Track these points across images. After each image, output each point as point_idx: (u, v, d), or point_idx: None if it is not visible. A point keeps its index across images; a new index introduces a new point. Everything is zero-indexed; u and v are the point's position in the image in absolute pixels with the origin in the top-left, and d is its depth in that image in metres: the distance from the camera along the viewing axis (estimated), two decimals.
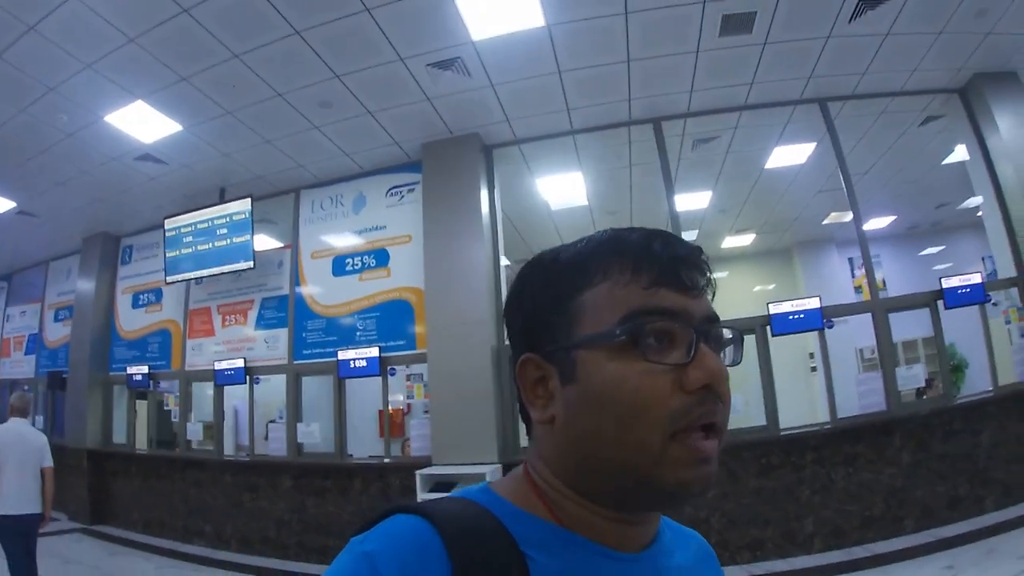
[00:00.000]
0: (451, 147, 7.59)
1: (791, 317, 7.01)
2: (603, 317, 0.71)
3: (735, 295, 13.61)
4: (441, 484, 6.54)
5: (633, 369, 0.68)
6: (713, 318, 0.74)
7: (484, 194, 7.67)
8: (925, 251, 14.73)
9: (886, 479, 6.39)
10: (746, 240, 13.54)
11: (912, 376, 7.11)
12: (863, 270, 14.22)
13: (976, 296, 7.25)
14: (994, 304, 7.82)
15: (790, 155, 8.79)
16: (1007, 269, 7.62)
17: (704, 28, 6.04)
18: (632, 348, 0.68)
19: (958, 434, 6.61)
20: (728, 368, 0.74)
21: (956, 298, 7.20)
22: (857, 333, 9.22)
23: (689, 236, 11.65)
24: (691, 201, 10.00)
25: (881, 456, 6.43)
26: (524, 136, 7.72)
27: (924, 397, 7.91)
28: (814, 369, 11.84)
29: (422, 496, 6.45)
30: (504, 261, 7.91)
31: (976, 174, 8.00)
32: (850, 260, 14.21)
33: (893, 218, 13.33)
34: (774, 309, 7.04)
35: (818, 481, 6.38)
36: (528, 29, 5.77)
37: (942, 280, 7.31)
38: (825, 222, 12.50)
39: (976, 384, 10.60)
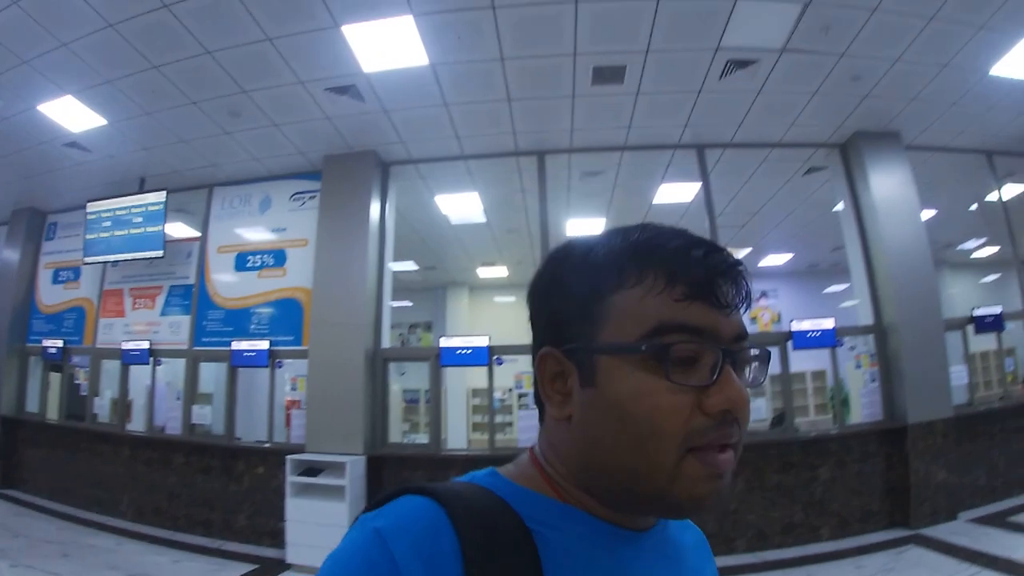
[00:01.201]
0: (350, 161, 8.03)
1: None
2: (631, 324, 0.70)
3: None
4: (310, 469, 7.06)
5: (654, 386, 0.68)
6: (742, 336, 0.73)
7: (376, 207, 8.10)
8: (830, 288, 15.34)
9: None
10: None
11: (754, 408, 7.57)
12: (760, 303, 14.88)
13: (827, 340, 7.83)
14: (851, 348, 8.47)
15: (676, 193, 9.27)
16: (867, 317, 8.17)
17: (577, 77, 6.54)
18: (655, 364, 0.68)
19: (796, 466, 7.20)
20: (750, 389, 0.74)
21: (804, 341, 7.78)
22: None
23: None
24: (586, 227, 10.44)
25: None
26: (419, 157, 8.18)
27: (776, 428, 8.45)
28: None
29: (292, 479, 6.98)
30: (397, 267, 8.30)
31: (847, 226, 8.57)
32: None
33: (791, 255, 14.01)
34: None
35: None
36: (414, 67, 6.23)
37: (792, 323, 7.89)
38: None
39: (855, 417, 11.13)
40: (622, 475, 0.69)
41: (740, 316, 0.74)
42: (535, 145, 7.95)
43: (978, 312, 8.87)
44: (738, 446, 0.71)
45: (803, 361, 10.11)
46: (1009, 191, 10.18)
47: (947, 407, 7.82)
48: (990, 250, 15.34)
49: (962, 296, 14.64)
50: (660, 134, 7.83)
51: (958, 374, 8.41)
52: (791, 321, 7.93)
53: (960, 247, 15.16)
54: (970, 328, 8.79)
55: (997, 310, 9.02)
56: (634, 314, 0.70)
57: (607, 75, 6.56)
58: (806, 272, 14.94)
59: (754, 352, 0.75)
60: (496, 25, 5.68)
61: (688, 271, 0.70)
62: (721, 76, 6.70)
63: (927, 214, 12.19)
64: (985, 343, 10.06)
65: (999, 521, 7.27)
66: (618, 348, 0.70)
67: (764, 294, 15.43)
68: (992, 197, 10.35)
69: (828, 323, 7.93)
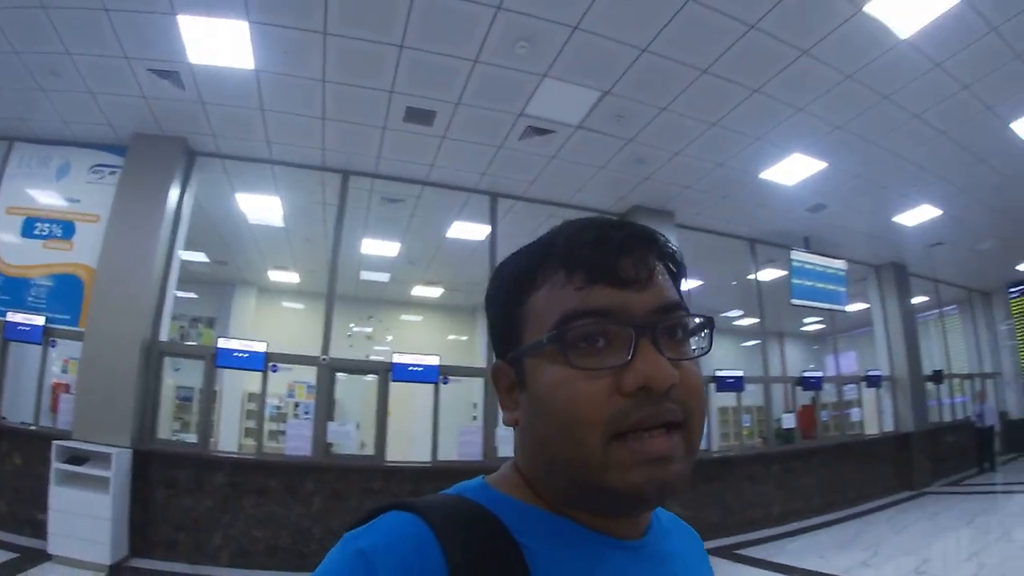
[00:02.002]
0: (158, 144, 7.90)
1: (409, 368, 7.98)
2: (543, 322, 0.71)
3: (429, 339, 14.67)
4: (75, 458, 6.69)
5: (567, 375, 0.67)
6: (665, 308, 0.71)
7: (175, 193, 7.97)
8: None
9: None
10: (435, 292, 14.52)
11: (507, 437, 8.13)
12: None
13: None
14: None
15: (469, 231, 9.89)
16: None
17: (391, 112, 7.01)
18: (562, 354, 0.68)
19: None
20: (692, 360, 0.72)
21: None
22: None
23: (381, 278, 12.63)
24: (382, 247, 10.88)
25: None
26: (228, 153, 8.23)
27: None
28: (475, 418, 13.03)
29: (57, 466, 6.59)
30: (187, 256, 8.20)
31: None
32: None
33: None
34: (397, 359, 8.03)
35: None
36: (239, 68, 6.41)
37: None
38: None
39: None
40: (562, 470, 0.69)
41: (661, 288, 0.72)
42: (341, 164, 8.28)
43: (719, 373, 10.20)
44: (688, 425, 0.68)
45: None
46: (765, 275, 11.76)
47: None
48: (751, 320, 17.19)
49: (725, 358, 16.24)
50: (460, 177, 8.46)
51: None
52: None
53: (723, 315, 16.97)
54: (712, 386, 10.10)
55: (739, 373, 10.51)
56: (544, 312, 0.71)
57: (418, 116, 7.08)
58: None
59: (693, 321, 0.74)
60: (324, 50, 6.01)
61: (582, 257, 0.70)
62: (521, 138, 7.41)
63: (694, 284, 13.73)
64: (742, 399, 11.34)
65: (727, 553, 8.32)
66: (531, 347, 0.71)
67: None
68: (751, 277, 11.83)
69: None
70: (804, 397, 13.78)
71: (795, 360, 21.06)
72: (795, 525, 9.79)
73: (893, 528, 9.27)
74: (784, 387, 13.42)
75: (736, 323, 17.57)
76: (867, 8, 5.85)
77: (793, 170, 8.77)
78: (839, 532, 9.35)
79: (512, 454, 0.84)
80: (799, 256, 11.43)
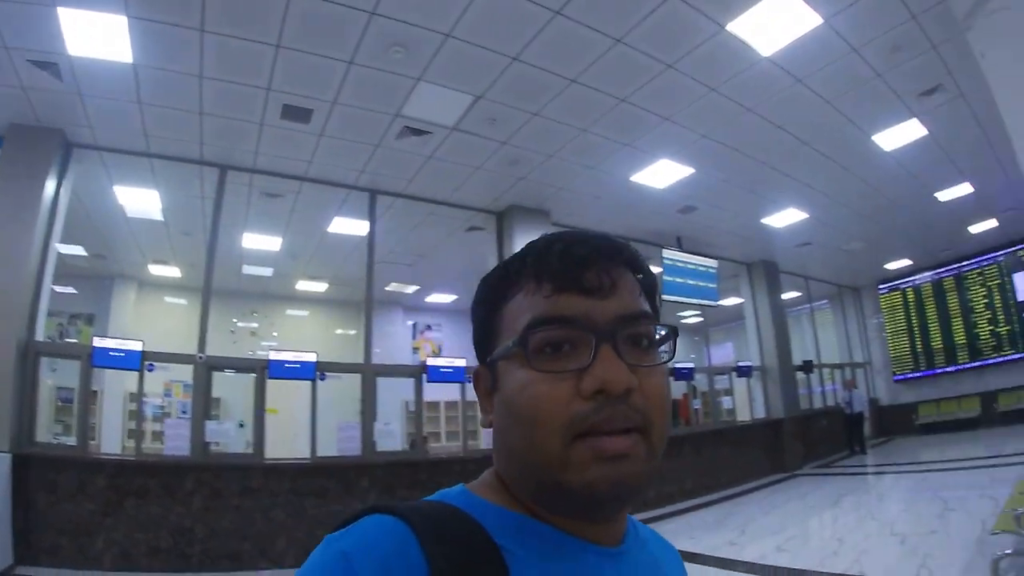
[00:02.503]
0: (36, 135, 7.55)
1: (286, 365, 7.96)
2: (514, 328, 0.73)
3: (315, 334, 14.57)
4: None
5: (531, 377, 0.69)
6: (628, 317, 0.72)
7: (52, 185, 7.64)
8: None
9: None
10: (320, 287, 14.34)
11: (388, 431, 8.38)
12: (424, 335, 16.03)
13: (457, 376, 9.00)
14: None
15: (350, 227, 9.90)
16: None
17: (268, 108, 6.96)
18: (526, 358, 0.70)
19: (422, 483, 8.09)
20: (654, 368, 0.73)
21: (438, 375, 8.84)
22: (403, 387, 9.84)
23: (264, 272, 12.50)
24: (264, 242, 10.75)
25: (350, 492, 7.66)
26: (105, 145, 7.96)
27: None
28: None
29: None
30: (64, 249, 7.84)
31: None
32: (414, 325, 16.09)
33: (456, 296, 15.55)
34: (274, 356, 8.01)
35: (292, 506, 7.33)
36: (118, 61, 6.25)
37: (426, 359, 8.87)
38: (388, 288, 14.07)
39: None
40: (526, 469, 0.71)
41: (626, 298, 0.74)
42: (219, 158, 8.16)
43: None
44: (648, 429, 0.69)
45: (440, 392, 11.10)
46: None
47: None
48: None
49: None
50: (338, 173, 8.46)
51: None
52: (429, 356, 8.85)
53: None
54: None
55: None
56: (515, 318, 0.73)
57: (295, 114, 7.07)
58: (469, 312, 15.97)
59: (657, 331, 0.76)
60: (202, 46, 5.95)
61: (550, 267, 0.73)
62: (398, 137, 7.49)
63: None
64: None
65: None
66: (500, 352, 0.74)
67: (429, 327, 16.51)
68: None
69: (460, 361, 9.04)
70: (680, 387, 14.36)
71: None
72: (669, 508, 10.23)
73: (762, 509, 9.77)
74: None
75: None
76: (730, 27, 6.19)
77: (662, 174, 9.17)
78: (710, 514, 9.82)
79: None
80: (671, 255, 11.93)
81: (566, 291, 0.71)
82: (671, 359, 0.77)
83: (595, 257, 0.74)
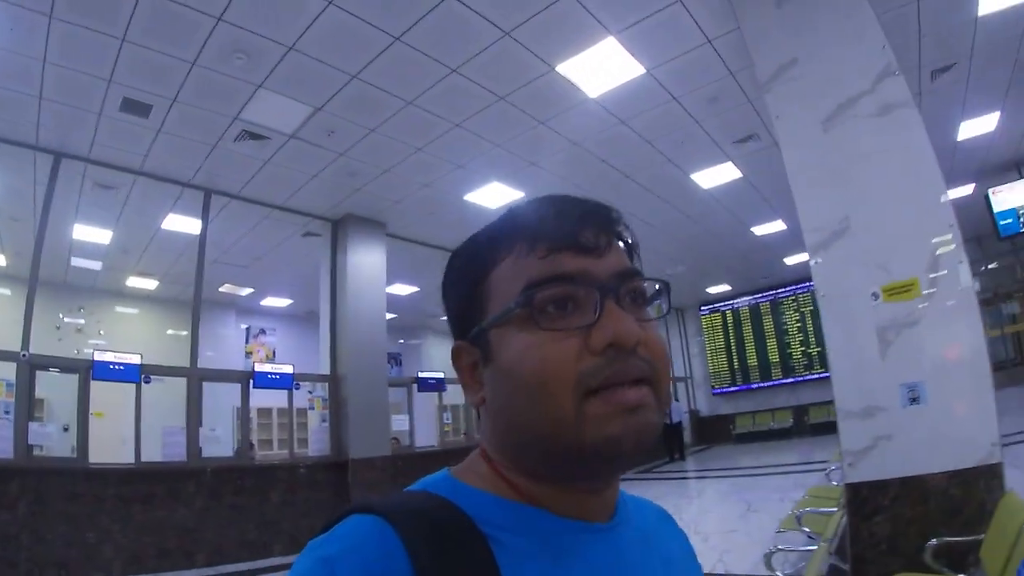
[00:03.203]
0: None
1: (111, 367, 7.80)
2: (507, 293, 0.71)
3: (145, 334, 13.99)
4: None
5: (535, 339, 0.67)
6: (625, 274, 0.71)
7: None
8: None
9: (179, 518, 7.47)
10: (151, 284, 13.83)
11: (213, 437, 8.32)
12: (258, 339, 15.88)
13: (284, 383, 9.08)
14: (310, 392, 9.76)
15: (184, 224, 9.80)
16: (326, 367, 9.57)
17: (108, 99, 6.86)
18: (529, 319, 0.68)
19: (249, 489, 8.13)
20: (653, 321, 0.73)
21: (265, 381, 8.90)
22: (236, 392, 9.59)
23: (93, 266, 12.12)
24: (94, 234, 10.41)
25: (177, 498, 7.54)
26: None
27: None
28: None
29: None
30: None
31: (323, 287, 10.07)
32: (247, 329, 15.84)
33: (291, 301, 15.46)
34: (98, 357, 7.77)
35: (118, 512, 7.15)
36: None
37: (255, 365, 8.96)
38: (222, 289, 13.90)
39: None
40: (536, 438, 0.68)
41: (619, 256, 0.73)
42: (55, 145, 7.92)
43: (421, 375, 11.14)
44: (655, 380, 0.69)
45: (272, 398, 11.15)
46: None
47: (385, 446, 9.63)
48: None
49: (443, 360, 16.77)
50: (174, 170, 8.37)
51: (398, 422, 10.68)
52: (262, 361, 8.92)
53: (442, 318, 17.89)
54: (415, 386, 11.07)
55: (439, 375, 11.52)
56: (508, 283, 0.71)
57: (135, 108, 7.01)
58: (304, 317, 15.92)
59: (650, 286, 0.75)
60: (48, 31, 5.84)
61: (545, 227, 0.71)
62: (236, 140, 7.57)
63: (410, 290, 14.51)
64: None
65: None
66: (497, 316, 0.71)
67: (263, 331, 16.24)
68: None
69: (287, 368, 9.19)
70: None
71: None
72: None
73: None
74: None
75: None
76: (559, 68, 6.71)
77: (494, 196, 9.67)
78: None
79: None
80: None
81: (562, 250, 0.70)
82: (668, 312, 0.79)
83: (589, 216, 0.73)
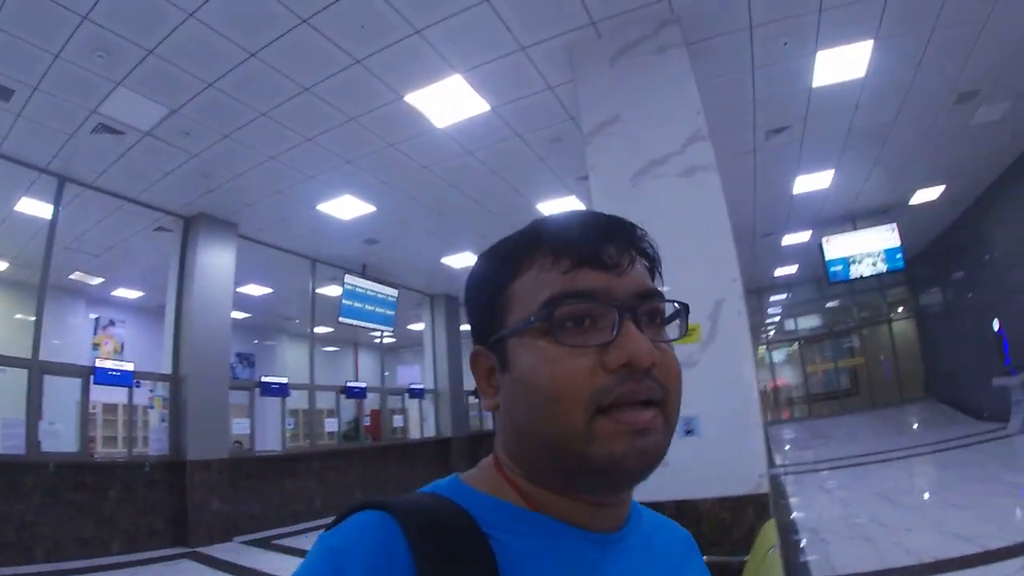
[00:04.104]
0: None
1: None
2: (528, 304, 0.72)
3: None
4: None
5: (552, 353, 0.69)
6: (645, 294, 0.73)
7: None
8: None
9: (17, 513, 7.41)
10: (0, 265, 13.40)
11: (52, 431, 8.30)
12: (107, 331, 15.59)
13: (125, 380, 9.21)
14: (151, 391, 9.86)
15: (37, 208, 9.73)
16: (167, 367, 9.69)
17: None
18: (549, 333, 0.69)
19: (89, 486, 8.16)
20: (672, 342, 0.75)
21: (105, 377, 8.97)
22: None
23: None
24: None
25: (16, 492, 7.47)
26: None
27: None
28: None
29: None
30: None
31: (170, 286, 10.12)
32: (96, 319, 15.56)
33: (142, 293, 15.30)
34: None
35: None
36: None
37: (96, 360, 9.15)
38: (72, 277, 13.63)
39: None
40: (546, 448, 0.70)
41: (640, 275, 0.75)
42: None
43: (264, 379, 11.43)
44: (666, 403, 0.71)
45: (117, 394, 11.13)
46: (331, 290, 13.44)
47: (225, 449, 9.74)
48: (327, 329, 18.56)
49: (296, 363, 17.11)
50: (31, 155, 8.35)
51: (240, 425, 10.84)
52: (95, 360, 8.97)
53: (297, 321, 18.20)
54: (257, 390, 11.27)
55: (283, 380, 11.78)
56: (530, 295, 0.72)
57: None
58: (155, 310, 15.24)
59: (670, 308, 0.77)
60: None
61: (569, 243, 0.72)
62: (93, 132, 7.71)
63: (264, 291, 14.76)
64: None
65: (266, 544, 9.24)
66: (516, 326, 0.72)
67: (112, 323, 15.89)
68: (321, 291, 13.26)
69: (128, 365, 9.29)
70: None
71: (371, 368, 22.84)
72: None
73: None
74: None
75: (316, 330, 18.59)
76: (408, 98, 7.25)
77: (347, 208, 10.15)
78: None
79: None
80: (352, 280, 12.92)
81: (585, 266, 0.71)
82: (684, 334, 0.80)
83: (612, 234, 0.75)
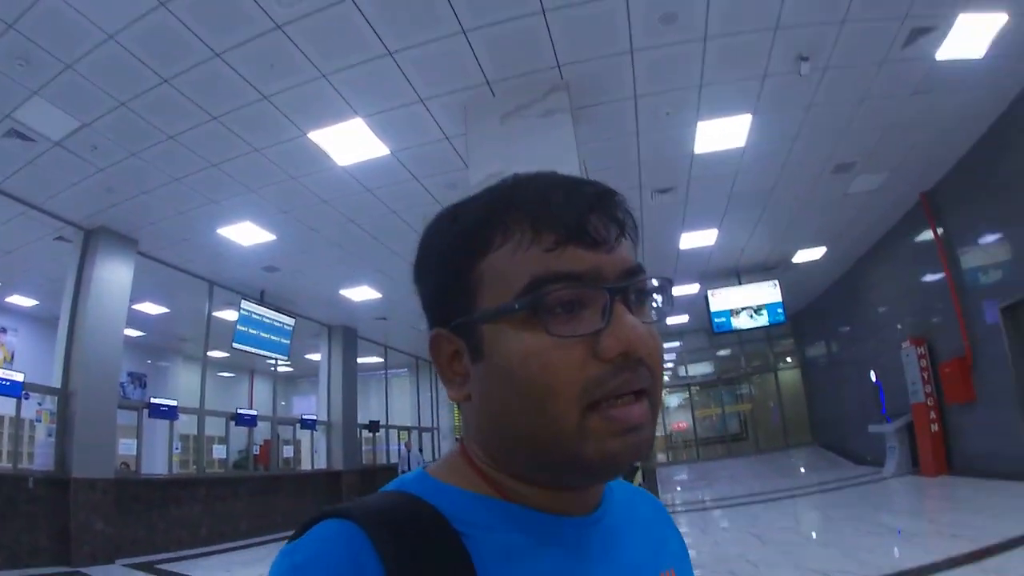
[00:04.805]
0: None
1: None
2: (506, 285, 0.64)
3: None
4: None
5: (539, 344, 0.61)
6: (633, 270, 0.66)
7: None
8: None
9: None
10: None
11: None
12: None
13: (14, 391, 9.13)
14: (39, 403, 9.69)
15: None
16: (57, 380, 9.53)
17: None
18: (535, 321, 0.62)
19: None
20: (655, 324, 0.68)
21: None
22: None
23: None
24: None
25: None
26: None
27: None
28: None
29: None
30: None
31: (65, 300, 10.01)
32: None
33: (36, 303, 14.83)
34: None
35: None
36: None
37: None
38: None
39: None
40: (530, 445, 0.64)
41: (627, 250, 0.68)
42: None
43: (153, 401, 11.51)
44: (653, 391, 0.65)
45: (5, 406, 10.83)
46: (227, 315, 13.43)
47: (110, 470, 9.61)
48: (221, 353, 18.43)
49: (190, 385, 16.76)
50: None
51: (127, 446, 10.69)
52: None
53: (191, 344, 18.11)
54: (146, 411, 11.29)
55: (172, 403, 11.77)
56: (507, 274, 0.64)
57: None
58: (51, 321, 14.50)
59: (653, 282, 0.69)
60: None
61: (552, 216, 0.64)
62: (3, 135, 7.83)
63: (160, 310, 14.75)
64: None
65: (149, 568, 9.11)
66: (495, 313, 0.64)
67: (3, 330, 15.40)
68: (218, 314, 13.43)
69: (18, 376, 9.20)
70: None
71: (266, 396, 22.33)
72: (225, 545, 11.16)
73: None
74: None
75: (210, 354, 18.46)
76: (311, 135, 7.71)
77: (247, 234, 10.45)
78: (256, 553, 10.82)
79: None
80: (249, 306, 13.09)
81: (571, 243, 0.63)
82: (671, 311, 0.73)
83: (602, 204, 0.67)
